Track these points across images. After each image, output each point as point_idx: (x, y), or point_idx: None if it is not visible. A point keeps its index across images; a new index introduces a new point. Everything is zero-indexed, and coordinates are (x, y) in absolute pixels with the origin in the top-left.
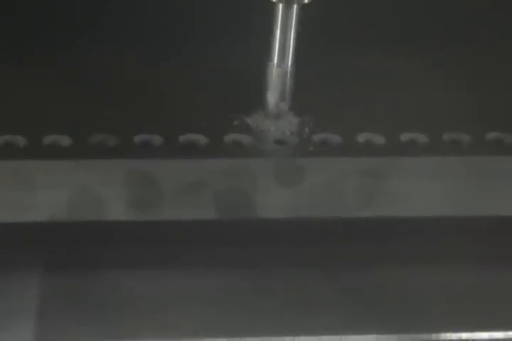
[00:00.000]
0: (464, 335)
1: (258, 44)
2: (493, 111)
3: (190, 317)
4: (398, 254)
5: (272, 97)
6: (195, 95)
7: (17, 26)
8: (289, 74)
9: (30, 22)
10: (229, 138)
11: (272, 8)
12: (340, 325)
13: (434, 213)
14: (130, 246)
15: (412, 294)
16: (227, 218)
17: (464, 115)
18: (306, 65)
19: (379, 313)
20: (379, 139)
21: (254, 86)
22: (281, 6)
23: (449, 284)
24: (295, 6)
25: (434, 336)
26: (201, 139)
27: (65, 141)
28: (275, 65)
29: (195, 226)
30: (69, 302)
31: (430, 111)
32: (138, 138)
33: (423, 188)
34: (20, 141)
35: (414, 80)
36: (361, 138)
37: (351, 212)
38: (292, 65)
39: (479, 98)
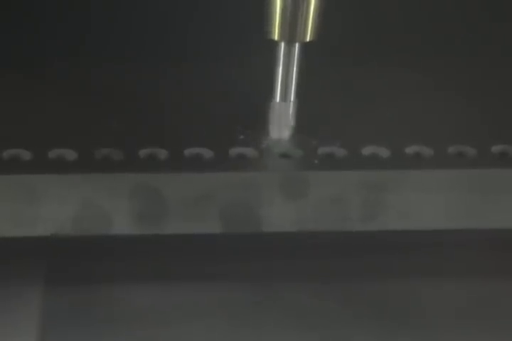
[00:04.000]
0: None
1: (264, 59)
2: (499, 123)
3: (193, 331)
4: (403, 268)
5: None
6: (200, 109)
7: (19, 39)
8: (291, 109)
9: (33, 35)
10: (234, 151)
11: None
12: (345, 339)
13: (439, 226)
14: (133, 259)
15: (417, 308)
16: (232, 232)
17: (469, 128)
18: (309, 78)
19: (383, 327)
20: (384, 152)
21: (259, 99)
22: (282, 44)
23: (455, 297)
24: (297, 44)
25: None
26: (206, 153)
27: (70, 155)
28: (278, 101)
29: (200, 240)
30: (71, 316)
31: (435, 124)
32: (143, 152)
33: (428, 201)
34: (26, 154)
35: (419, 93)
36: (366, 151)
37: (356, 225)
38: (295, 98)
39: (484, 111)
